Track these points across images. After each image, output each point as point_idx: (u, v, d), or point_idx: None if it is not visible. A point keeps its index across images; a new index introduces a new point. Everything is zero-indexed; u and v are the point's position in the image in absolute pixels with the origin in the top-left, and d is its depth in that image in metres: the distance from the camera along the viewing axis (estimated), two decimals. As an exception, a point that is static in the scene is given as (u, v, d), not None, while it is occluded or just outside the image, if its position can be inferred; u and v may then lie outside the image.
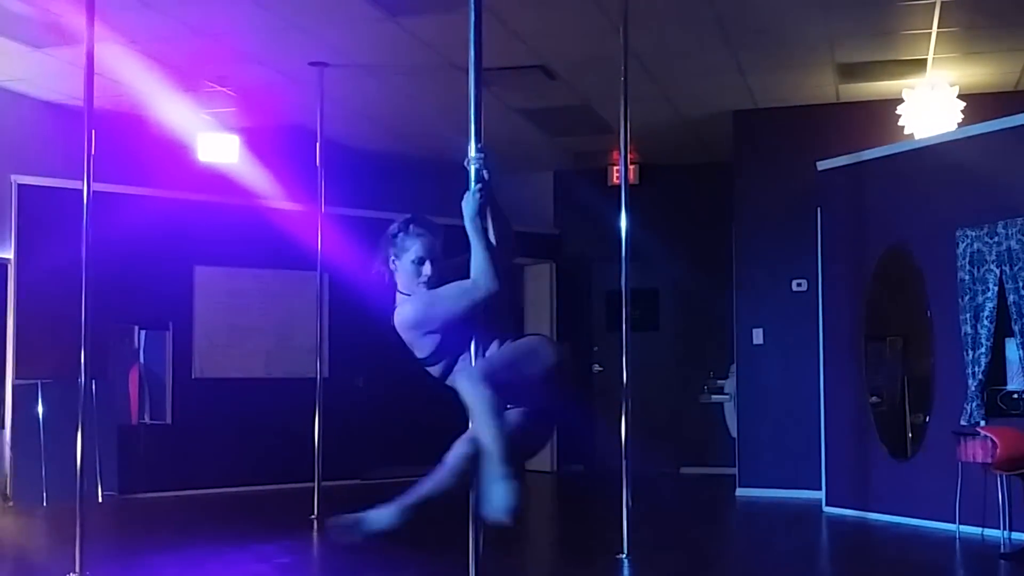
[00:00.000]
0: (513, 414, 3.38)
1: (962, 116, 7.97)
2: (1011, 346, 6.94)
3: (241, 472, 9.32)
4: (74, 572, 5.26)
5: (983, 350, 6.93)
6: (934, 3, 6.74)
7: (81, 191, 5.41)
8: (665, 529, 7.49)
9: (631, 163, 7.17)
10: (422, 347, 3.52)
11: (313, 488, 7.66)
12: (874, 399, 8.06)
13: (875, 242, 7.92)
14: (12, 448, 8.41)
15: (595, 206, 10.48)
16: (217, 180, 9.29)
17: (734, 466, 9.31)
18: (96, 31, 5.56)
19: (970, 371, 6.99)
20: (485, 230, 3.25)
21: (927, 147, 7.67)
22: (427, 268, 3.44)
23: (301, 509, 7.75)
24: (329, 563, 6.54)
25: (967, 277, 7.05)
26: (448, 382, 3.55)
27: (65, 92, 8.47)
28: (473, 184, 3.28)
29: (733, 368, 9.71)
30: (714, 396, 10.55)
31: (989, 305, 6.92)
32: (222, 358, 9.40)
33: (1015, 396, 6.96)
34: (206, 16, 6.97)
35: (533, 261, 11.28)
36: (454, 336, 3.42)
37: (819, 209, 8.40)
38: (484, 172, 3.29)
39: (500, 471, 3.20)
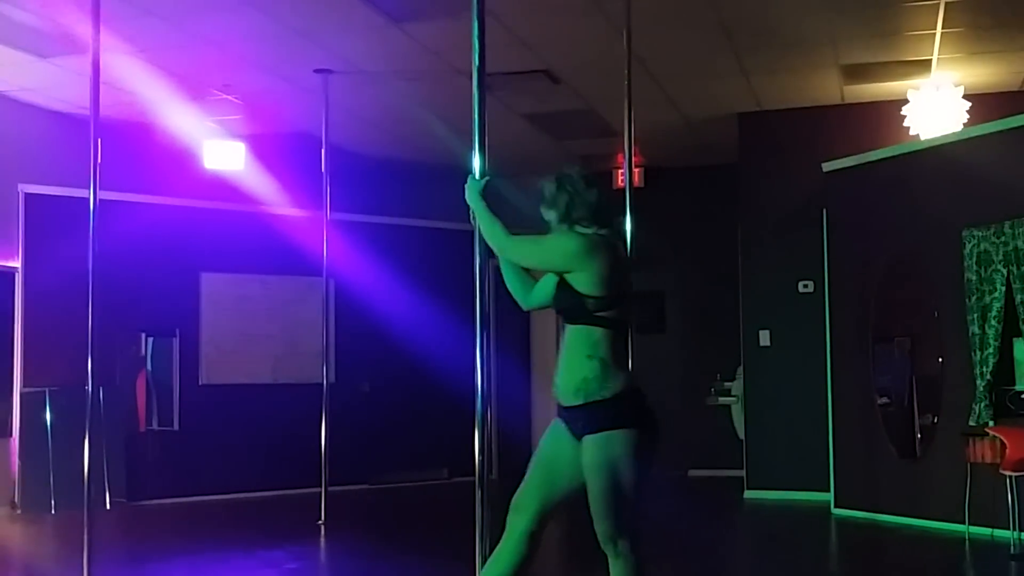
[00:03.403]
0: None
1: (967, 116, 7.96)
2: (1019, 346, 6.93)
3: (248, 478, 9.32)
4: (82, 579, 5.26)
5: (991, 350, 6.91)
6: (938, 3, 6.73)
7: (88, 199, 5.42)
8: (673, 532, 7.47)
9: (636, 166, 7.18)
10: None
11: (320, 493, 7.66)
12: (882, 400, 8.03)
13: (881, 243, 7.90)
14: (20, 455, 8.42)
15: (600, 209, 10.45)
16: (223, 187, 9.32)
17: (742, 468, 9.29)
18: (102, 40, 5.56)
19: (978, 371, 6.97)
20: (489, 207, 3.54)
21: (932, 148, 7.66)
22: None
23: (308, 514, 7.76)
24: (337, 568, 6.54)
25: (974, 277, 7.04)
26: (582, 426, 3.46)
27: (71, 101, 8.49)
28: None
29: (740, 370, 9.70)
30: (721, 398, 10.53)
31: (996, 305, 6.90)
32: (229, 364, 9.41)
33: (1023, 396, 6.94)
34: (211, 24, 6.98)
35: (539, 265, 11.26)
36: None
37: (825, 210, 8.38)
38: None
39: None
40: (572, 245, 3.40)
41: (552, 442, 3.50)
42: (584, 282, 3.37)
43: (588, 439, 3.35)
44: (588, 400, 3.35)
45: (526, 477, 3.53)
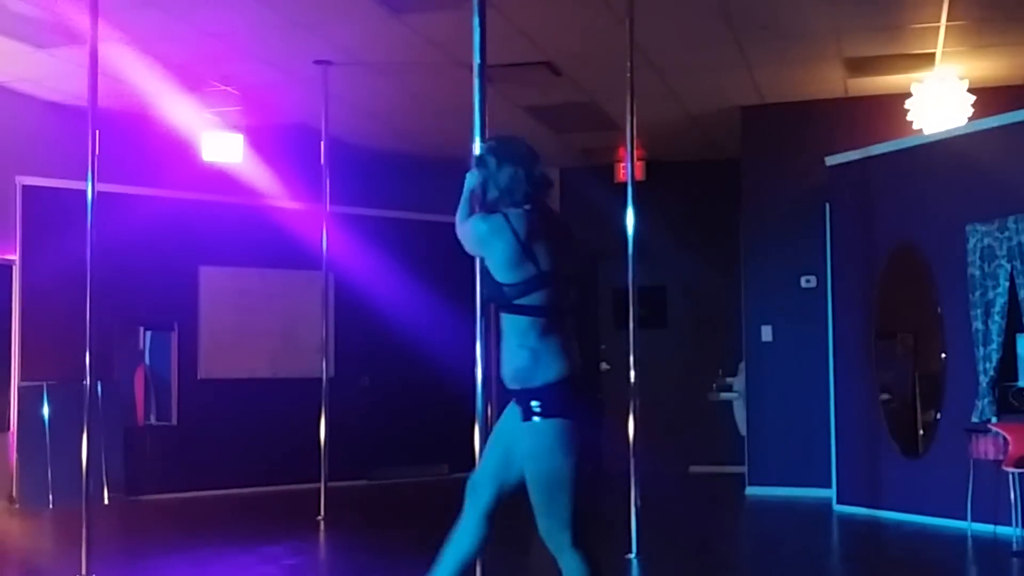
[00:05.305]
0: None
1: (971, 110, 7.91)
2: (1022, 342, 6.89)
3: (247, 473, 9.29)
4: (80, 574, 5.23)
5: (994, 346, 6.88)
6: (943, -4, 6.69)
7: (85, 191, 5.40)
8: (674, 528, 7.44)
9: (638, 159, 7.12)
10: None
11: (319, 489, 7.63)
12: (885, 396, 8.01)
13: (884, 238, 7.87)
14: (18, 450, 8.39)
15: (601, 203, 10.38)
16: (222, 180, 9.27)
17: (743, 464, 9.26)
18: (100, 30, 5.54)
19: (981, 367, 6.94)
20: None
21: (936, 142, 7.62)
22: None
23: (307, 510, 7.73)
24: (336, 564, 6.51)
25: (977, 273, 7.00)
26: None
27: (69, 92, 8.44)
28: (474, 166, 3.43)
29: (742, 365, 9.66)
30: (723, 394, 10.48)
31: (1000, 301, 6.87)
32: (228, 359, 9.37)
33: (1027, 392, 6.91)
34: (210, 15, 6.94)
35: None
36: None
37: (827, 205, 8.34)
38: (486, 158, 3.39)
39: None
40: (477, 230, 3.27)
41: (506, 422, 3.39)
42: (494, 268, 3.25)
43: (523, 427, 3.26)
44: (524, 387, 3.25)
45: (483, 456, 3.47)
